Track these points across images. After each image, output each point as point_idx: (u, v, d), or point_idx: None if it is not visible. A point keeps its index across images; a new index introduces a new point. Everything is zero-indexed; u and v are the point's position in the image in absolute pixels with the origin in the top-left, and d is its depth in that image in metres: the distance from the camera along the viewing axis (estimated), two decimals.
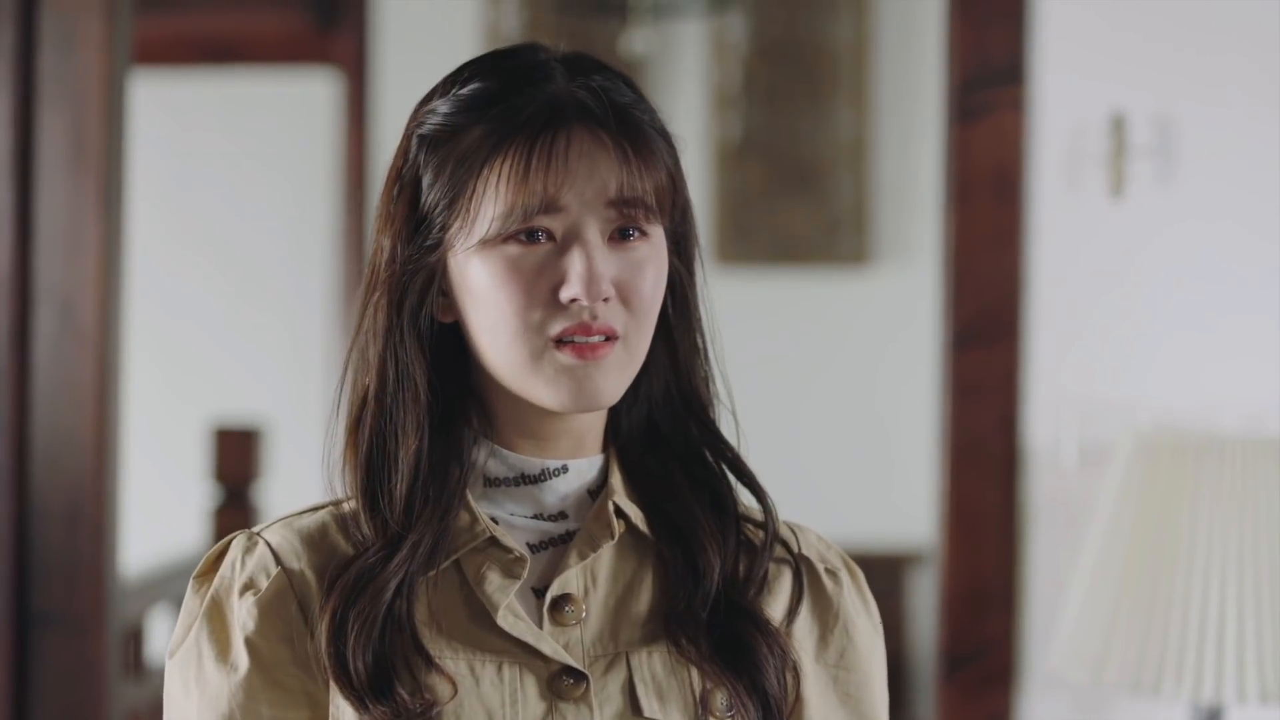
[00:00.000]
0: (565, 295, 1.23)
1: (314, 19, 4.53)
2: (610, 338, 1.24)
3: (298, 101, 4.98)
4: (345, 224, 4.52)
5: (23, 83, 2.62)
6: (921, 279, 4.33)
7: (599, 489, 1.32)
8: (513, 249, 1.24)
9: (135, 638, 3.19)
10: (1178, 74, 2.45)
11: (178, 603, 3.47)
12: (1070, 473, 2.47)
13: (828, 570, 1.36)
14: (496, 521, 1.29)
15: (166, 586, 3.33)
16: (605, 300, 1.23)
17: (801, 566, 1.34)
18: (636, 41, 4.12)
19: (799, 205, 4.60)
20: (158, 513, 4.75)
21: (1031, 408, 2.49)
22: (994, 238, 2.49)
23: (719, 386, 1.35)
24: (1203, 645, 2.10)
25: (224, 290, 5.12)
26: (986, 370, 2.50)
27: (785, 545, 1.35)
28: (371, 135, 4.49)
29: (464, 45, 4.47)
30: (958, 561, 2.50)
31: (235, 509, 3.80)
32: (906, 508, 4.39)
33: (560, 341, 1.24)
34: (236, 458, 3.80)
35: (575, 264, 1.22)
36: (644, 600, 1.30)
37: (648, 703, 1.26)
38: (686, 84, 4.65)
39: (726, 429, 1.35)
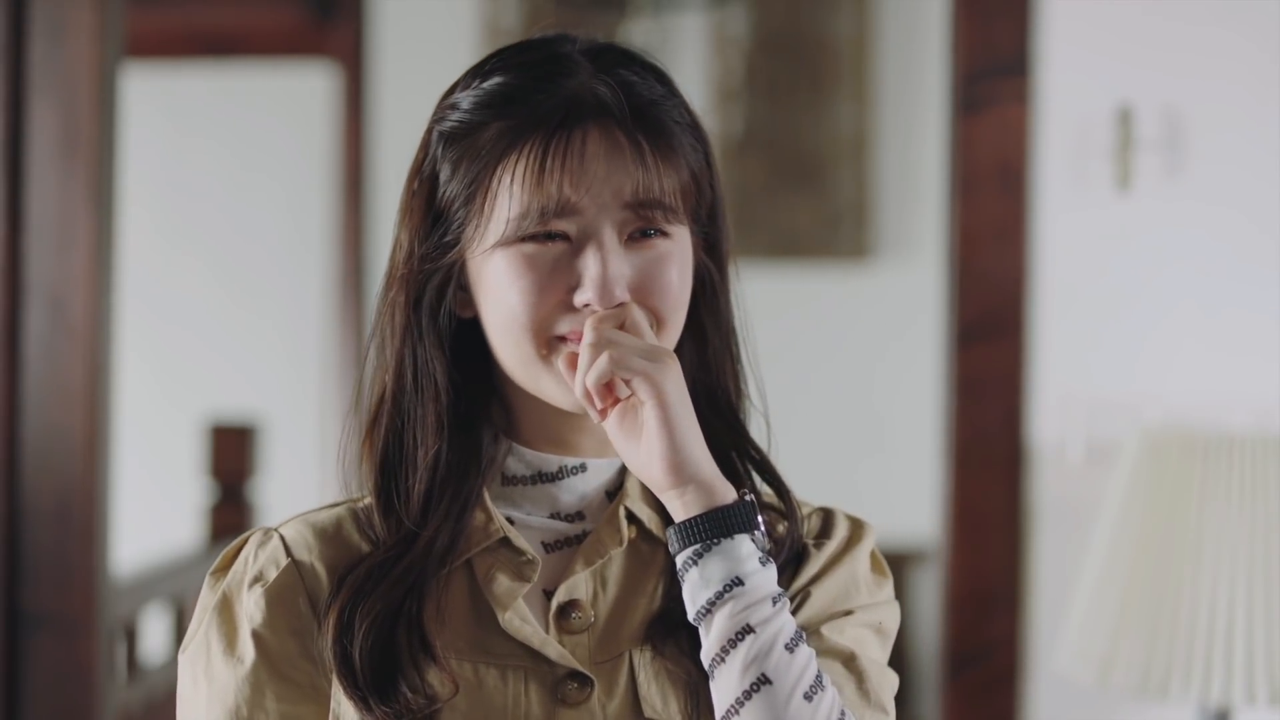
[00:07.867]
0: (579, 300, 1.22)
1: (311, 11, 4.51)
2: None
3: (294, 95, 4.95)
4: (342, 218, 4.49)
5: (12, 74, 2.60)
6: (924, 274, 4.30)
7: (617, 490, 1.30)
8: (529, 247, 1.22)
9: (129, 637, 3.16)
10: (1185, 66, 2.43)
11: (172, 601, 3.44)
12: (1076, 470, 2.45)
13: (823, 538, 1.32)
14: (512, 522, 1.27)
15: (160, 585, 3.30)
16: (620, 306, 1.22)
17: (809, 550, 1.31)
18: (636, 34, 4.09)
19: (800, 200, 4.56)
20: (152, 511, 4.72)
21: (1037, 404, 2.47)
22: (998, 232, 2.47)
23: (749, 387, 1.33)
24: (1211, 646, 2.08)
25: (219, 285, 5.09)
26: (991, 366, 2.48)
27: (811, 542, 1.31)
28: (369, 129, 4.46)
29: (462, 38, 4.44)
30: (961, 561, 2.48)
31: (230, 506, 3.79)
32: (909, 506, 4.35)
33: (568, 340, 1.22)
34: (232, 455, 3.78)
35: (590, 268, 1.21)
36: (654, 602, 1.27)
37: (649, 705, 1.24)
38: (687, 78, 4.61)
39: (757, 431, 1.32)
